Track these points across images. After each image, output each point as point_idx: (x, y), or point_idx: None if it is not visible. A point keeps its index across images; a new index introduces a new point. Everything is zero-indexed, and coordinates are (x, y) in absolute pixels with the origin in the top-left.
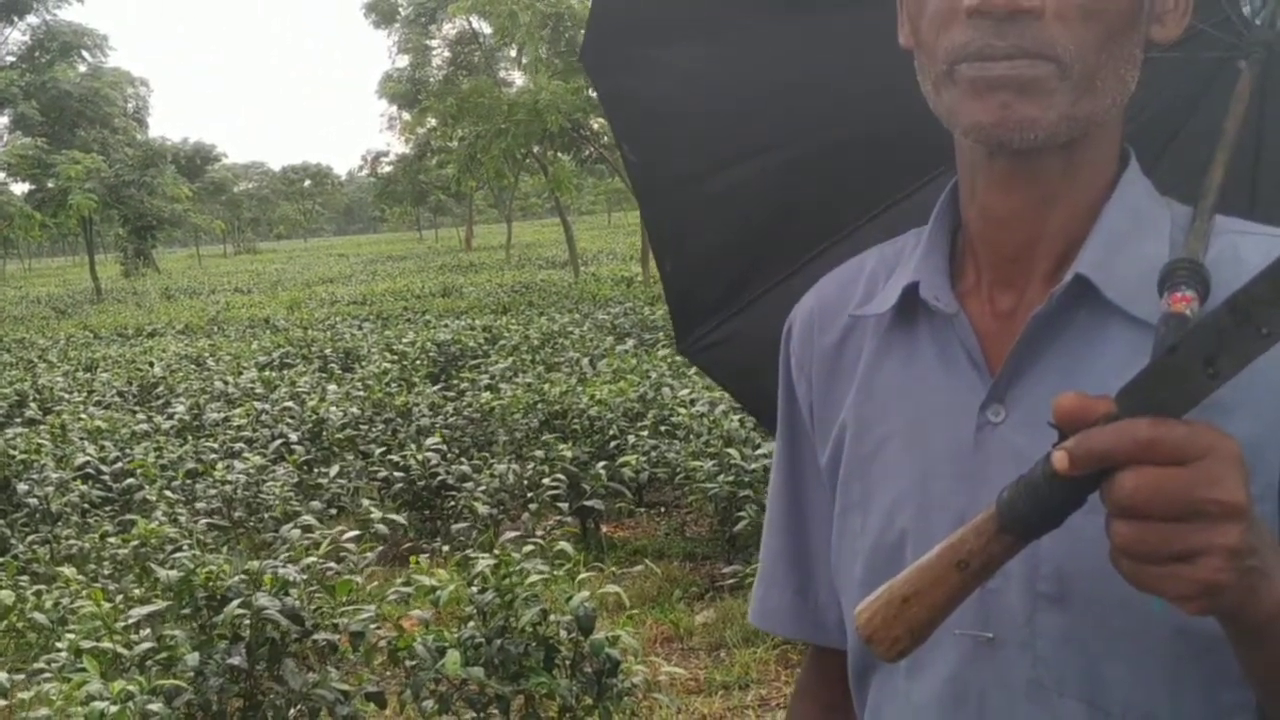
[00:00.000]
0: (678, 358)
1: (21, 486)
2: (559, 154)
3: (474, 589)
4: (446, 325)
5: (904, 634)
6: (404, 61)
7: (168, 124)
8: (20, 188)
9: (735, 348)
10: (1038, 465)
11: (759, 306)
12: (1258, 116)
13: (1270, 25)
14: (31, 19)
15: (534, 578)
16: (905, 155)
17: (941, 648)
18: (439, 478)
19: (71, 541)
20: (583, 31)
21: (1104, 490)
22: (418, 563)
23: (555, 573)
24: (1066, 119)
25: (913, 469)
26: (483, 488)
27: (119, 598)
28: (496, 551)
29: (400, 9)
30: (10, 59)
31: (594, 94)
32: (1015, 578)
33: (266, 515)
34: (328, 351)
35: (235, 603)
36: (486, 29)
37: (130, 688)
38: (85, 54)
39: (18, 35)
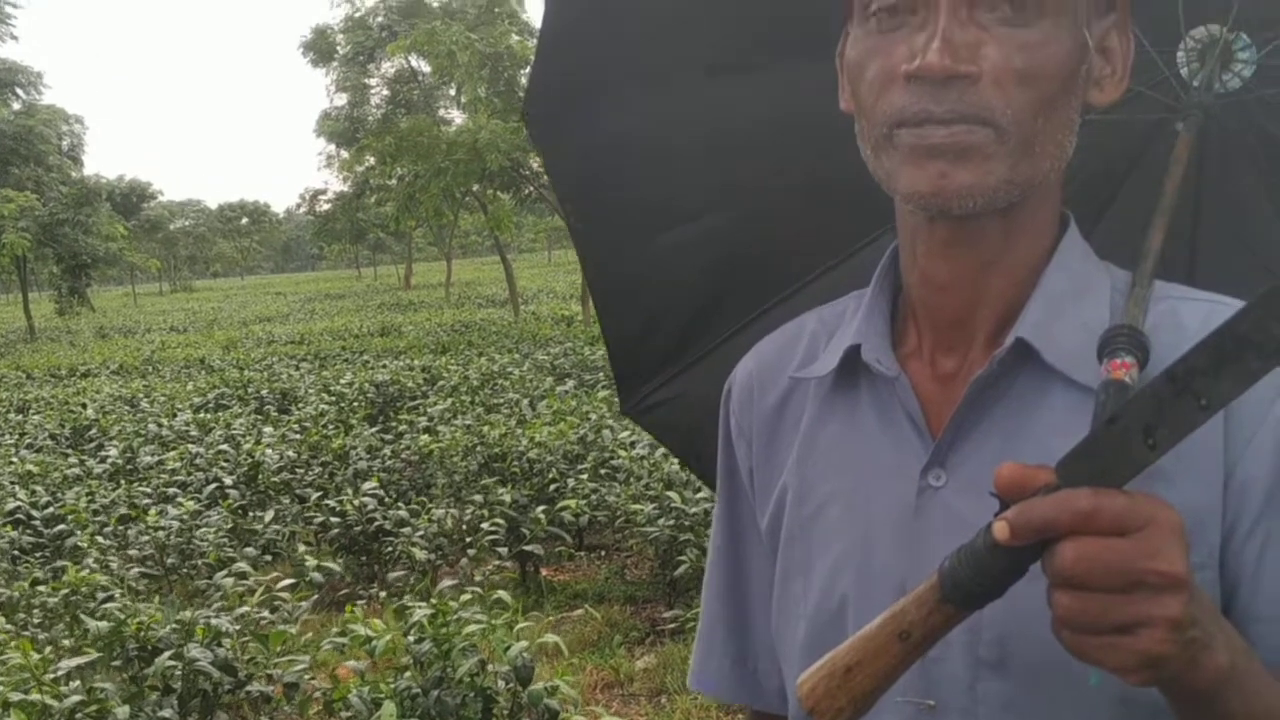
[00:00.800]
0: (618, 399)
1: None
2: (498, 193)
3: (411, 638)
4: (385, 365)
5: (847, 704)
6: (342, 100)
7: (103, 161)
8: None
9: (679, 408)
10: (979, 535)
11: (701, 367)
12: (1195, 180)
13: (1207, 88)
14: None
15: (472, 627)
16: (846, 216)
17: (884, 715)
18: (376, 523)
19: (0, 590)
20: (522, 71)
21: (1045, 561)
22: (353, 611)
23: (493, 622)
24: (1005, 184)
25: (854, 533)
26: (420, 533)
27: (48, 648)
28: (434, 600)
29: (338, 48)
30: None
31: None
32: (957, 645)
33: (200, 562)
34: (264, 392)
35: (167, 654)
36: (425, 68)
37: None
38: (19, 91)
39: None
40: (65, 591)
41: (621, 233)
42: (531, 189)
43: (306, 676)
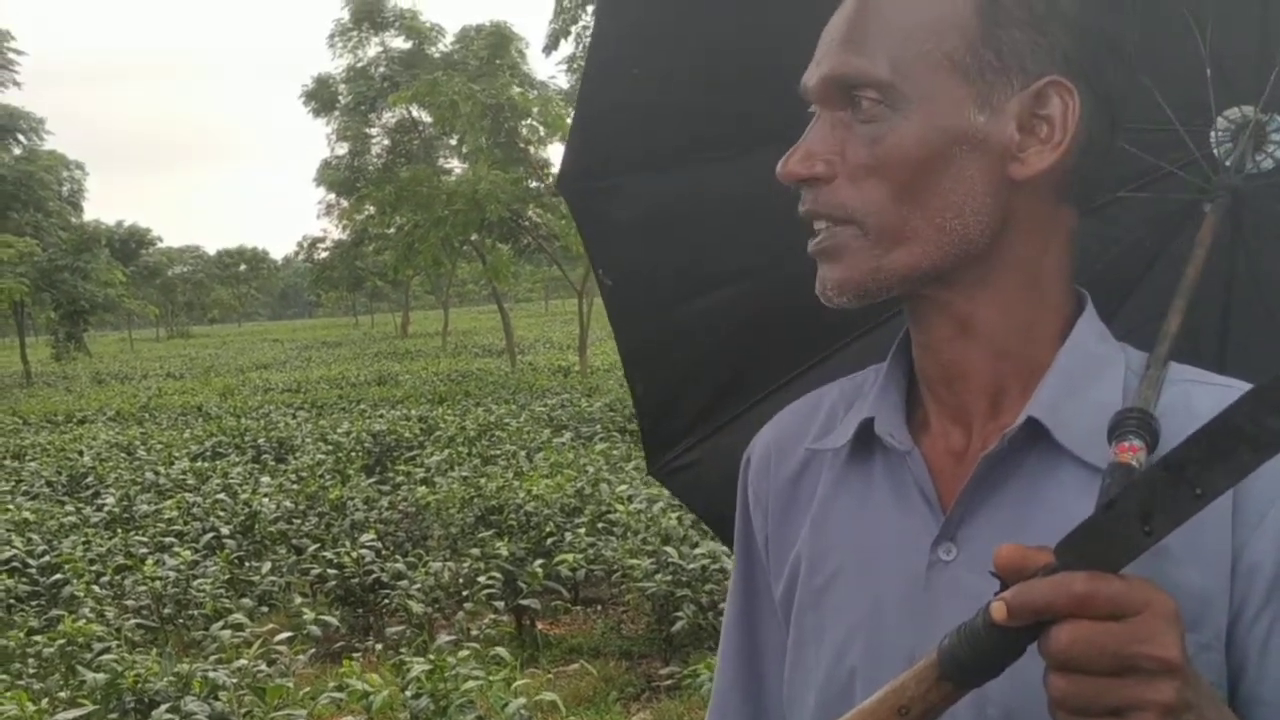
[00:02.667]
0: (615, 452)
1: None
2: (497, 242)
3: (409, 694)
4: (382, 415)
5: None
6: (343, 149)
7: (103, 207)
8: None
9: (706, 471)
10: (978, 614)
11: (728, 432)
12: (1229, 261)
13: (1237, 170)
14: None
15: (470, 684)
16: None
17: None
18: (373, 575)
19: None
20: (523, 122)
21: (1041, 642)
22: (350, 664)
23: (491, 678)
24: (872, 274)
25: (864, 604)
26: (417, 585)
27: (44, 700)
28: (431, 655)
29: (340, 97)
30: None
31: (534, 184)
32: (963, 715)
33: (196, 613)
34: (261, 441)
35: (164, 707)
36: (426, 118)
37: None
38: (20, 137)
39: None
40: (61, 642)
41: (653, 296)
42: (530, 239)
43: None
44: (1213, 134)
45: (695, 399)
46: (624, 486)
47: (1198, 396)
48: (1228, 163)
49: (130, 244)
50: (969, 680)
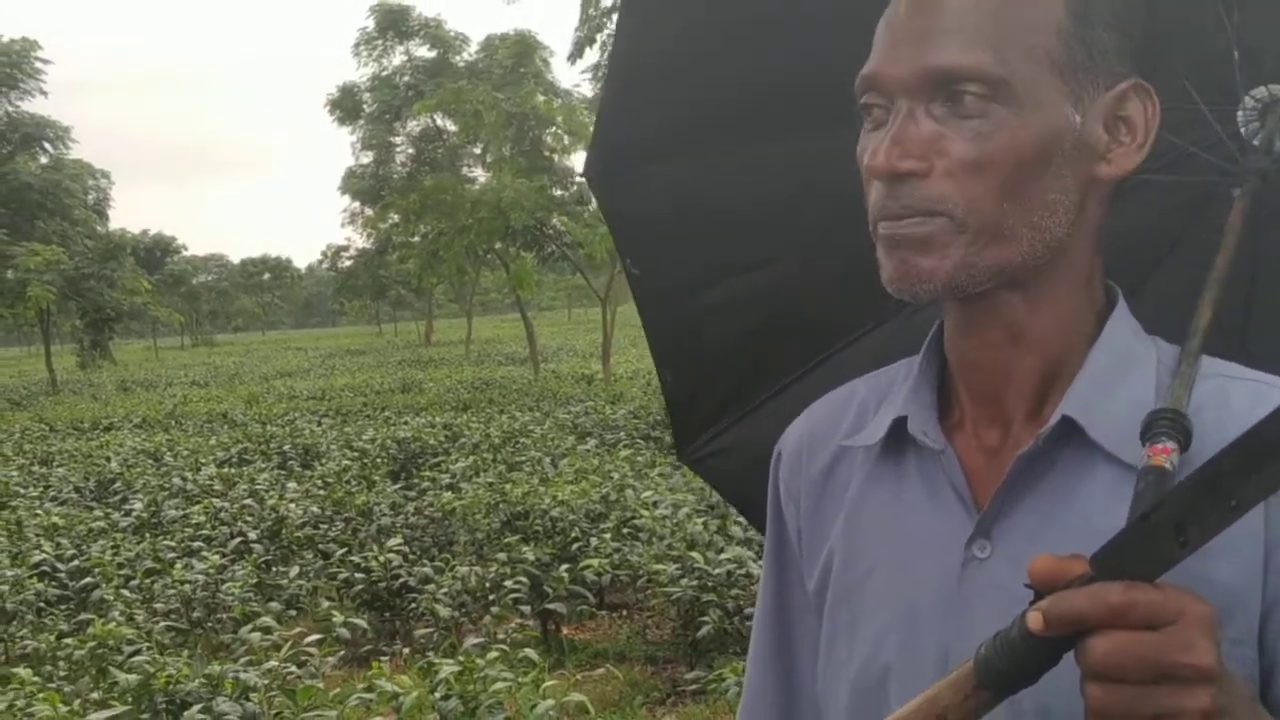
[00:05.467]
0: (639, 458)
1: None
2: (521, 251)
3: (437, 695)
4: (406, 422)
5: None
6: (367, 158)
7: (129, 216)
8: None
9: (734, 457)
10: (1014, 623)
11: (756, 417)
12: (1252, 246)
13: (1266, 151)
14: None
15: (498, 685)
16: None
17: None
18: (400, 579)
19: (27, 641)
20: (546, 131)
21: (1077, 653)
22: (379, 667)
23: (520, 680)
24: (965, 268)
25: (899, 601)
26: (444, 590)
27: (76, 701)
28: (460, 657)
29: (365, 106)
30: None
31: (558, 193)
32: (1000, 715)
33: (225, 616)
34: (287, 448)
35: (196, 708)
36: (451, 126)
37: None
38: (47, 146)
39: None
40: (92, 644)
41: (679, 283)
42: (554, 248)
43: None
44: (1240, 113)
45: (722, 386)
46: (649, 492)
47: (1233, 392)
48: (1255, 142)
49: (155, 252)
50: (1006, 689)
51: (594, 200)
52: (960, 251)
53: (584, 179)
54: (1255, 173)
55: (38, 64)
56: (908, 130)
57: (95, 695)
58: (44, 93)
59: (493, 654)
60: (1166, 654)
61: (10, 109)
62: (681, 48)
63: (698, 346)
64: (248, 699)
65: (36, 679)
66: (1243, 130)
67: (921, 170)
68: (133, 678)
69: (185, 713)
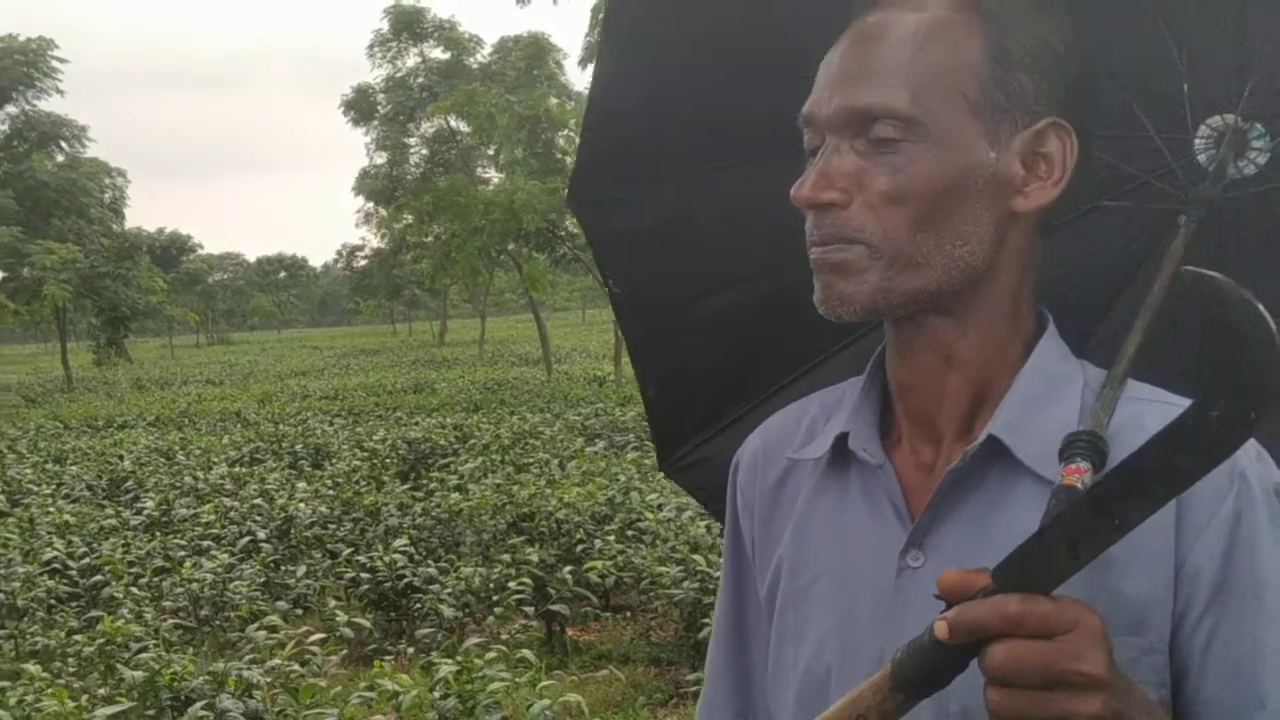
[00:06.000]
0: (647, 461)
1: None
2: (534, 252)
3: (436, 694)
4: (417, 423)
5: None
6: (382, 158)
7: (144, 214)
8: None
9: (713, 468)
10: (926, 632)
11: (736, 429)
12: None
13: (1215, 179)
14: (10, 109)
15: (495, 684)
16: None
17: None
18: (405, 579)
19: (37, 637)
20: (560, 133)
21: (980, 659)
22: (381, 666)
23: (517, 679)
24: (881, 293)
25: (840, 607)
26: (449, 590)
27: (83, 697)
28: (459, 657)
29: (379, 107)
30: None
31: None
32: (926, 715)
33: (232, 615)
34: (298, 447)
35: (199, 704)
36: (464, 128)
37: None
38: (64, 144)
39: None
40: (101, 641)
41: (658, 300)
42: (567, 249)
43: None
44: (1197, 141)
45: (702, 400)
46: (654, 495)
47: (1148, 415)
48: (1210, 167)
49: (171, 251)
50: (918, 691)
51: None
52: (877, 277)
53: (565, 203)
54: (1201, 201)
55: (54, 63)
56: (832, 164)
57: (102, 691)
58: (60, 91)
59: (491, 654)
60: (1059, 661)
61: (27, 108)
62: (660, 75)
63: (679, 362)
64: (251, 696)
65: (45, 675)
66: (1201, 158)
67: (841, 201)
68: (138, 674)
69: (189, 709)
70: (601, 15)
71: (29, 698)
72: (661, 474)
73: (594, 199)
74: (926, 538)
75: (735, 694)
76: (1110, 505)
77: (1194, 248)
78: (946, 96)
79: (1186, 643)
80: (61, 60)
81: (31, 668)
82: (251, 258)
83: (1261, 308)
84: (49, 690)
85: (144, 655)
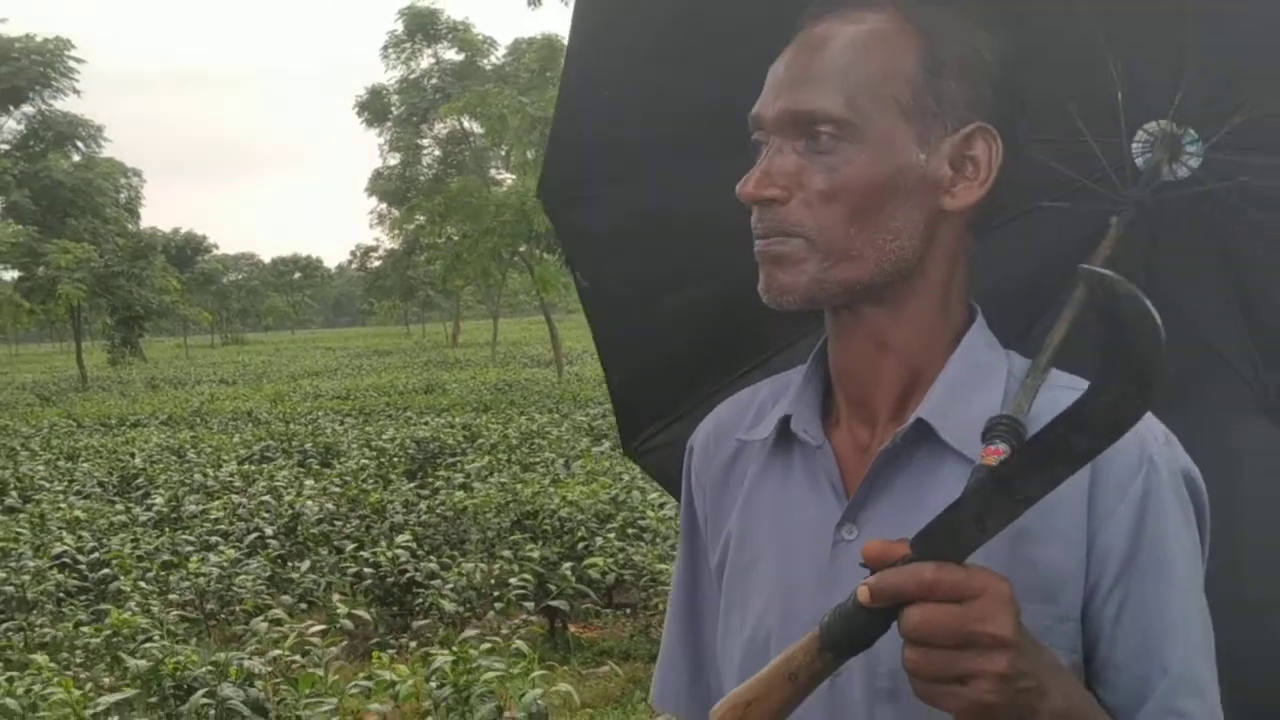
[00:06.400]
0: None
1: None
2: (545, 254)
3: (432, 684)
4: (427, 422)
5: None
6: (395, 160)
7: (160, 214)
8: (9, 274)
9: (675, 452)
10: (850, 597)
11: (695, 415)
12: (1145, 276)
13: (1148, 182)
14: (27, 108)
15: (489, 674)
16: None
17: None
18: (408, 575)
19: (45, 630)
20: None
21: (898, 621)
22: (380, 658)
23: (511, 670)
24: (818, 283)
25: (781, 577)
26: (450, 585)
27: (89, 686)
28: (455, 648)
29: (393, 108)
30: (4, 147)
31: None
32: (858, 676)
33: (238, 608)
34: (308, 446)
35: (201, 693)
36: (478, 128)
37: None
38: (79, 144)
39: (12, 124)
40: (107, 633)
41: (624, 293)
42: None
43: (333, 719)
44: (1134, 146)
45: (664, 388)
46: (656, 494)
47: (1066, 401)
48: (1142, 166)
49: (186, 251)
50: (844, 651)
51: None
52: (813, 269)
53: (537, 196)
54: (1132, 202)
55: (70, 63)
56: (774, 163)
57: (108, 681)
58: (77, 91)
59: (486, 645)
60: (967, 623)
61: (43, 107)
62: (624, 74)
63: (642, 352)
64: (252, 685)
65: (53, 665)
66: (1138, 161)
67: (781, 198)
68: (142, 663)
69: (191, 697)
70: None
71: (36, 687)
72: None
73: (562, 194)
74: (860, 513)
75: (689, 659)
76: (1013, 483)
77: (1124, 246)
78: (880, 102)
79: (1097, 613)
80: (78, 60)
81: (39, 658)
82: (266, 258)
83: (1148, 303)
84: (56, 680)
85: (149, 646)
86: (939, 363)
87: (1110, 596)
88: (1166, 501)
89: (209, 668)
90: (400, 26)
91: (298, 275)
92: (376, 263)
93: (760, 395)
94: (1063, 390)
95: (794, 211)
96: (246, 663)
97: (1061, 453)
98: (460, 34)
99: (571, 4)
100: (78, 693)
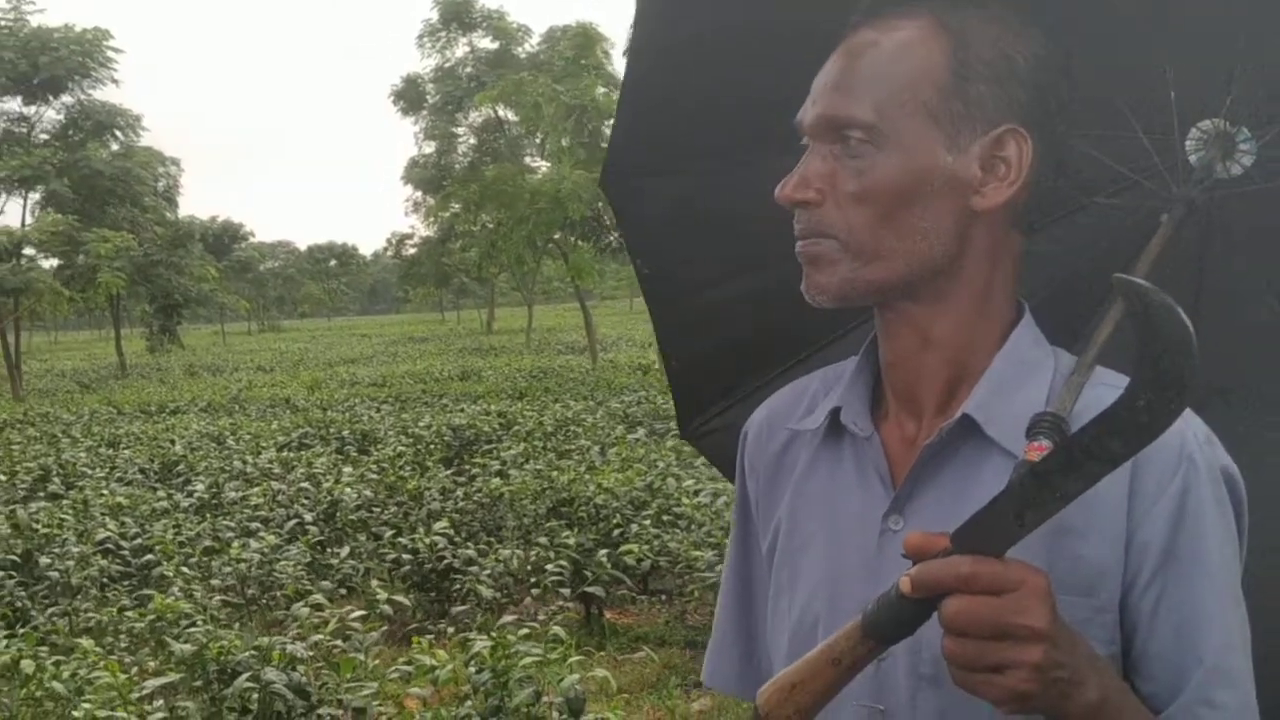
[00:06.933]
0: (685, 448)
1: (44, 560)
2: (579, 241)
3: (471, 669)
4: (463, 409)
5: (793, 714)
6: (430, 148)
7: (197, 202)
8: (49, 263)
9: (730, 436)
10: (893, 587)
11: (751, 401)
12: (1198, 273)
13: (1199, 180)
14: (66, 98)
15: (528, 659)
16: None
17: (844, 714)
18: (445, 561)
19: (90, 614)
20: (606, 123)
21: (938, 612)
22: (420, 643)
23: (549, 655)
24: (849, 283)
25: (829, 564)
26: (487, 571)
27: (134, 669)
28: (494, 634)
29: (428, 97)
30: (44, 137)
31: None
32: (902, 661)
33: (279, 594)
34: (345, 433)
35: (244, 676)
36: (512, 117)
37: None
38: (118, 133)
39: (52, 114)
40: (152, 618)
41: (683, 282)
42: (613, 238)
43: (374, 703)
44: (1188, 143)
45: (721, 373)
46: (691, 481)
47: (1108, 400)
48: (1195, 162)
49: (223, 239)
50: (886, 639)
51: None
52: (845, 269)
53: (600, 184)
54: (1183, 200)
55: (109, 53)
56: (810, 167)
57: (153, 665)
58: (115, 81)
59: (524, 631)
60: (1003, 615)
61: (82, 97)
62: (690, 64)
63: (701, 337)
64: (294, 669)
65: (99, 649)
66: (1192, 159)
67: (816, 200)
68: (187, 648)
69: (235, 681)
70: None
71: (83, 671)
72: (701, 461)
73: (623, 185)
74: (907, 504)
75: (741, 637)
76: (1052, 479)
77: (1175, 243)
78: (908, 107)
79: (1135, 605)
80: (116, 50)
81: (85, 643)
82: (302, 245)
83: (1181, 312)
84: (102, 664)
85: (193, 630)
86: (985, 359)
87: (1148, 590)
88: (1205, 499)
89: (252, 652)
90: (435, 15)
91: (333, 263)
92: (412, 250)
93: (813, 385)
94: (1107, 388)
95: (828, 214)
96: (289, 647)
97: (1098, 454)
98: (495, 22)
99: None
100: (123, 677)
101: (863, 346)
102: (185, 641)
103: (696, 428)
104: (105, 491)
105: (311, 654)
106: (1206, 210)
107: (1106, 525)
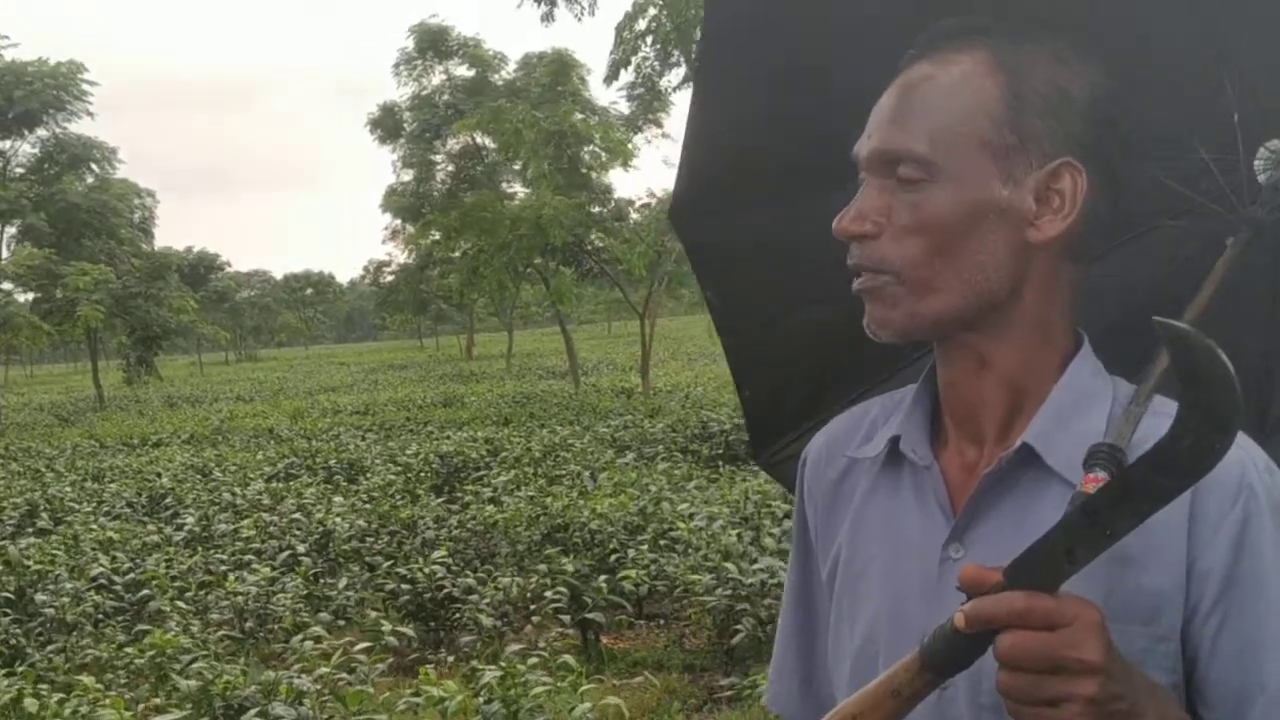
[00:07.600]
0: (676, 471)
1: (40, 596)
2: (560, 267)
3: (481, 699)
4: (449, 437)
5: None
6: (408, 175)
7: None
8: (26, 296)
9: None
10: (948, 621)
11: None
12: (1271, 297)
13: (1270, 199)
14: (41, 132)
15: (538, 689)
16: None
17: None
18: (445, 590)
19: (88, 651)
20: (585, 148)
21: (993, 646)
22: (426, 674)
23: (558, 684)
24: (911, 317)
25: (890, 592)
26: (487, 600)
27: (139, 706)
28: (502, 663)
29: (405, 125)
30: (20, 171)
31: (596, 209)
32: (963, 691)
33: (276, 626)
34: (332, 462)
35: (252, 712)
36: (490, 144)
37: None
38: (94, 166)
39: (27, 148)
40: (151, 653)
41: (755, 311)
42: (593, 263)
43: None
44: (1256, 163)
45: (793, 402)
46: (685, 505)
47: (1166, 430)
48: (1262, 181)
49: (200, 269)
50: (944, 671)
51: (632, 218)
52: (903, 303)
53: (669, 218)
54: (1249, 222)
55: (84, 86)
56: (866, 200)
57: (156, 701)
58: (90, 114)
59: (533, 660)
60: (1058, 650)
61: (57, 130)
62: (755, 101)
63: (771, 367)
64: (301, 703)
65: (99, 686)
66: (1261, 178)
67: (872, 233)
68: (193, 684)
69: (242, 717)
70: (625, 34)
71: (84, 709)
72: (693, 485)
73: (689, 216)
74: (967, 533)
75: (801, 661)
76: (1101, 516)
77: (1242, 264)
78: (962, 140)
79: (1197, 633)
80: (91, 83)
81: (86, 679)
82: (279, 275)
83: (1223, 354)
84: (105, 700)
85: (196, 665)
86: (1045, 389)
87: (1209, 619)
88: (1265, 527)
89: (258, 687)
90: (411, 43)
91: (310, 291)
92: (389, 278)
93: (872, 413)
94: (1165, 418)
95: (883, 247)
96: (296, 681)
97: (1147, 490)
98: (471, 50)
99: (584, 17)
100: (129, 714)
101: (922, 374)
102: (189, 676)
103: (770, 456)
104: (95, 526)
105: (318, 687)
106: (1276, 231)
107: (1167, 555)
